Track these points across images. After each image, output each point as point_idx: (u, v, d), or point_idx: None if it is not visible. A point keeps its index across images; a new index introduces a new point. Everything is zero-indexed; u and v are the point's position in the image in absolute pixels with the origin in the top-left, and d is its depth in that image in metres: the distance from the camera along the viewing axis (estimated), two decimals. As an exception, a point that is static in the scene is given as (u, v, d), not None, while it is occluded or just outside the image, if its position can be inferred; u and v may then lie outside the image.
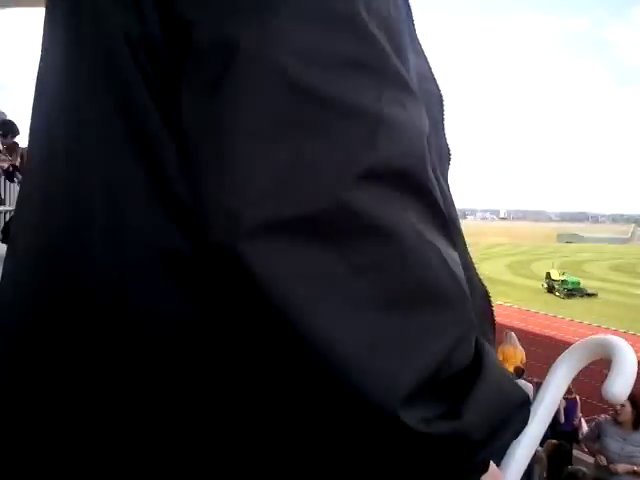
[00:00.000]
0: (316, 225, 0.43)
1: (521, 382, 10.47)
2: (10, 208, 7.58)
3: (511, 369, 11.57)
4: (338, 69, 0.44)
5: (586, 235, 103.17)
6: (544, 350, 15.71)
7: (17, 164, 8.47)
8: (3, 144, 7.29)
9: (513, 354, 11.84)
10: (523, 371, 11.32)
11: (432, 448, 0.45)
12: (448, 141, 0.65)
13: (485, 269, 47.16)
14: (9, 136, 7.58)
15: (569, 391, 9.82)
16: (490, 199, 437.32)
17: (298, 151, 0.43)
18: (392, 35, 0.48)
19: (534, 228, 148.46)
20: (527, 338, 20.50)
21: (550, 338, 21.67)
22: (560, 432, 8.90)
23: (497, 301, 29.64)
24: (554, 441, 6.97)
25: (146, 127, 0.49)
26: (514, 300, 30.86)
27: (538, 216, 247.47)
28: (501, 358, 12.12)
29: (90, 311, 0.50)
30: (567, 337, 21.85)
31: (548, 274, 36.15)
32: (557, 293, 33.83)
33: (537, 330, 23.50)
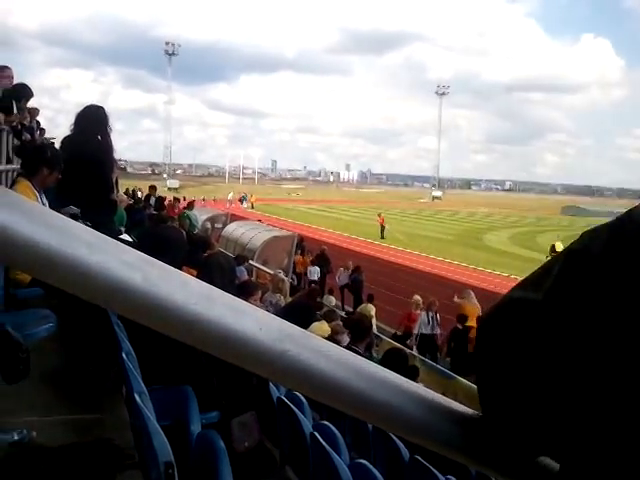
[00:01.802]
0: None
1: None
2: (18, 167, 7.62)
3: (472, 322, 12.72)
4: None
5: (591, 208, 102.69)
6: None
7: (25, 123, 8.53)
8: (17, 107, 7.31)
9: (471, 309, 13.35)
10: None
11: None
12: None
13: (488, 240, 47.18)
14: (22, 100, 7.62)
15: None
16: (496, 170, 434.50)
17: None
18: None
19: (539, 200, 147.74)
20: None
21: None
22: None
23: (501, 273, 29.79)
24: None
25: None
26: (517, 272, 30.91)
27: (544, 188, 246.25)
28: (461, 311, 13.18)
29: None
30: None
31: (553, 247, 36.13)
32: (561, 266, 33.93)
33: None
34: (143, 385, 2.66)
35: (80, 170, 4.96)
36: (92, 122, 5.28)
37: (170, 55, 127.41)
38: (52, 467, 2.75)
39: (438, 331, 13.39)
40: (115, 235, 5.44)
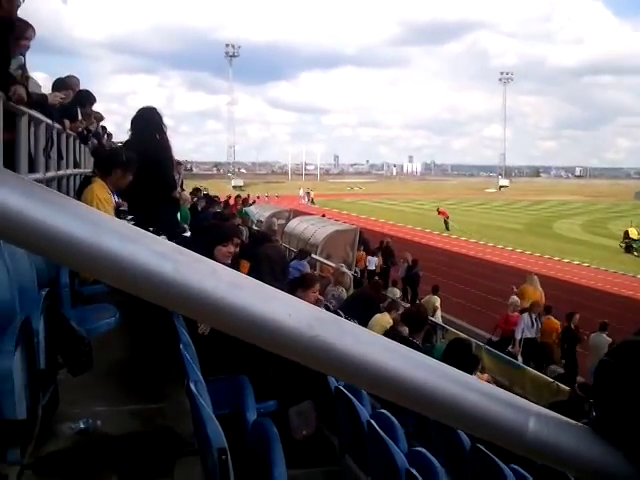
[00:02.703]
0: None
1: (603, 337, 10.40)
2: (86, 170, 7.93)
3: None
4: None
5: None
6: (620, 311, 15.21)
7: (91, 128, 8.85)
8: (82, 113, 7.59)
9: (532, 292, 12.85)
10: (547, 308, 12.10)
11: None
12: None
13: (559, 228, 45.85)
14: (87, 105, 7.90)
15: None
16: (565, 157, 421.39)
17: None
18: None
19: (612, 186, 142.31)
20: (603, 299, 20.03)
21: (628, 298, 21.01)
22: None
23: (573, 261, 28.89)
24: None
25: None
26: (590, 259, 29.93)
27: (616, 173, 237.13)
28: (520, 295, 12.80)
29: None
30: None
31: (626, 233, 34.82)
32: (635, 253, 32.62)
33: (614, 290, 22.80)
34: (200, 375, 2.73)
35: (142, 170, 5.10)
36: (148, 123, 5.43)
37: (231, 57, 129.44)
38: (115, 455, 2.85)
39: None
40: (178, 233, 5.59)
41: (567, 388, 8.31)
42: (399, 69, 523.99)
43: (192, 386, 2.45)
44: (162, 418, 3.24)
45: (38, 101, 5.13)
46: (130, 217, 4.97)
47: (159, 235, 0.62)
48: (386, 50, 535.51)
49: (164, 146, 5.57)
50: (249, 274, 0.63)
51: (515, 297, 13.30)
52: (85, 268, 0.57)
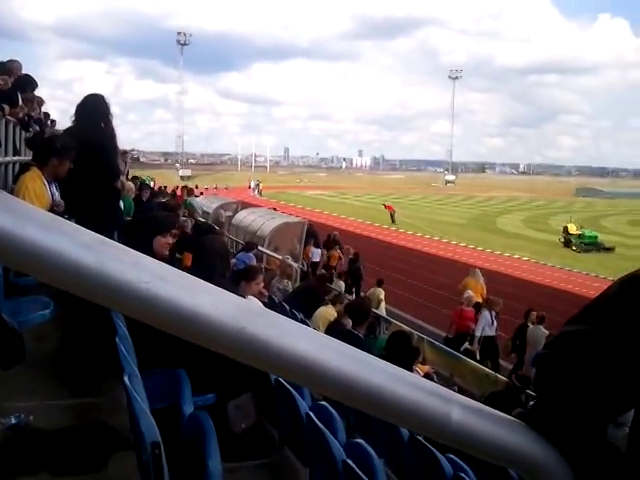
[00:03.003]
0: None
1: (540, 330, 10.68)
2: (27, 158, 7.68)
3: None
4: None
5: (606, 190, 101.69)
6: (560, 304, 15.70)
7: (33, 114, 8.56)
8: (23, 99, 7.35)
9: (474, 286, 13.14)
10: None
11: None
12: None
13: (502, 223, 46.95)
14: (28, 90, 7.65)
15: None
16: (510, 154, 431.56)
17: None
18: None
19: (553, 183, 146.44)
20: (543, 292, 20.65)
21: (566, 292, 21.71)
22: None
23: (513, 255, 29.67)
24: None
25: None
26: (530, 254, 30.78)
27: (558, 170, 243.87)
28: (463, 288, 13.09)
29: None
30: (583, 291, 21.93)
31: (565, 228, 35.94)
32: (574, 247, 33.69)
33: (554, 284, 23.52)
34: (135, 368, 2.69)
35: (84, 159, 4.96)
36: (93, 111, 5.28)
37: (182, 45, 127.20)
38: (48, 450, 2.79)
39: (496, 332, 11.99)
40: (120, 224, 5.46)
41: (505, 379, 8.53)
42: (351, 63, 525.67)
43: (126, 379, 2.41)
44: (97, 412, 3.19)
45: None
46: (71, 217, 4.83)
47: (102, 227, 0.61)
48: (338, 43, 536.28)
49: (109, 135, 5.42)
50: (192, 265, 0.63)
51: (470, 291, 13.07)
52: (4, 258, 0.55)
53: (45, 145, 4.82)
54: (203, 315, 0.60)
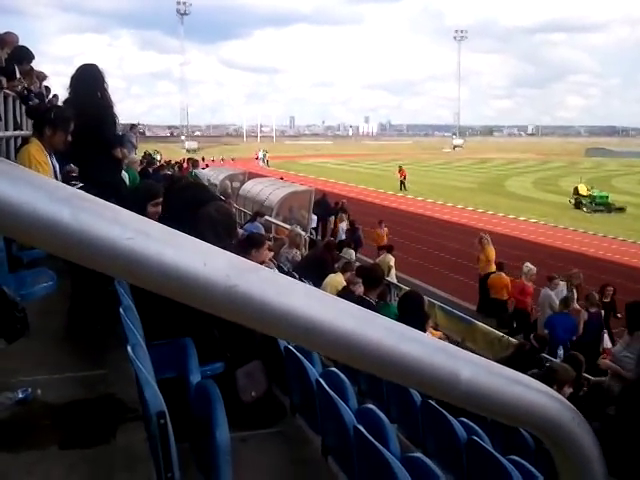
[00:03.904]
0: None
1: (551, 293, 10.61)
2: (28, 133, 7.61)
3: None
4: None
5: (616, 149, 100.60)
6: (570, 266, 15.56)
7: (32, 88, 8.45)
8: (20, 71, 7.23)
9: (492, 253, 13.05)
10: (499, 265, 12.28)
11: None
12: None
13: (511, 186, 46.58)
14: (24, 62, 7.52)
15: (594, 304, 9.89)
16: (518, 115, 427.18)
17: None
18: None
19: (562, 144, 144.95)
20: (553, 255, 20.52)
21: (577, 254, 21.57)
22: (581, 343, 9.00)
23: (522, 217, 29.48)
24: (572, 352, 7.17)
25: None
26: (540, 216, 30.56)
27: (567, 131, 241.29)
28: (486, 257, 13.02)
29: None
30: (591, 251, 21.80)
31: (576, 189, 35.57)
32: (585, 209, 33.39)
33: (565, 246, 23.37)
34: (140, 339, 2.65)
35: (82, 129, 4.90)
36: (88, 81, 5.19)
37: (182, 15, 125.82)
38: (56, 423, 2.77)
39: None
40: (122, 194, 5.40)
41: (516, 341, 8.49)
42: (354, 26, 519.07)
43: (129, 350, 2.37)
44: (106, 385, 3.16)
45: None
46: (80, 185, 4.78)
47: (102, 196, 0.56)
48: (341, 7, 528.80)
49: (105, 104, 5.33)
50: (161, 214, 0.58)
51: (529, 264, 11.89)
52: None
53: (40, 115, 4.77)
54: (190, 272, 0.56)
